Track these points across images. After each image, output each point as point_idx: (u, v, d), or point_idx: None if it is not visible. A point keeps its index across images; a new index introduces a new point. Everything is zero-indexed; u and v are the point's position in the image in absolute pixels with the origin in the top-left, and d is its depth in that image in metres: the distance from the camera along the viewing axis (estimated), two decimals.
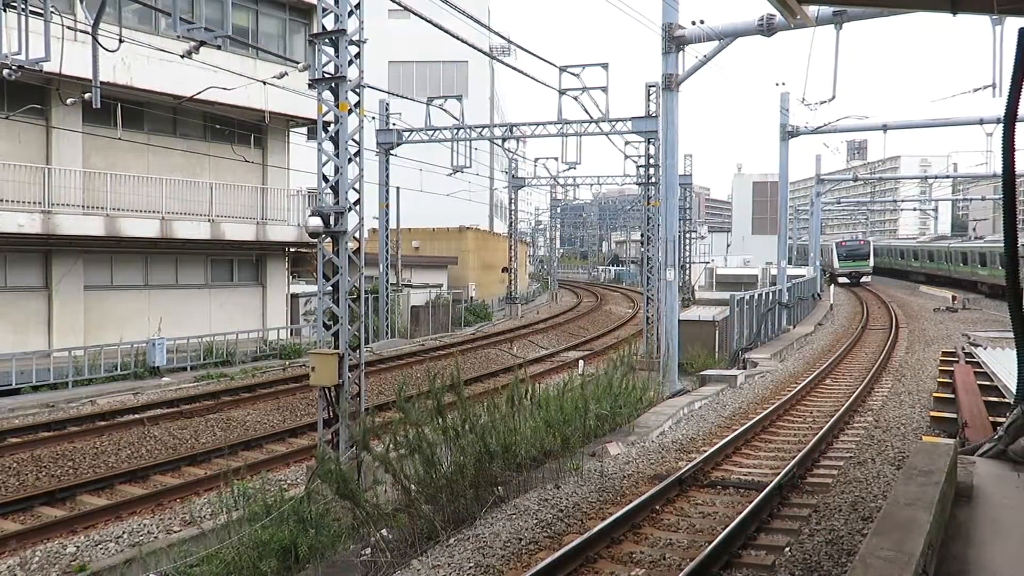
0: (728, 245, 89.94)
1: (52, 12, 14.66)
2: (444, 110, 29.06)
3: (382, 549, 8.95)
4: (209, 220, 23.25)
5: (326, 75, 12.90)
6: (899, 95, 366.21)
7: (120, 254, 23.12)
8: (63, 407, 17.14)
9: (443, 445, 10.38)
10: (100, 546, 10.41)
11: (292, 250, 27.78)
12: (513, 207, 48.53)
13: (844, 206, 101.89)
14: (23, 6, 14.33)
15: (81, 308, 21.99)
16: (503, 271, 48.62)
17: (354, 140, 12.99)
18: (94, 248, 22.10)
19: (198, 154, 24.47)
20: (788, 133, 35.25)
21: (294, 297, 28.72)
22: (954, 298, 42.30)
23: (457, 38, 17.95)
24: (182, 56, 15.37)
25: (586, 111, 25.60)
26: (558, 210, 73.60)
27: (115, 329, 22.30)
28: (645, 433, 14.23)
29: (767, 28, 18.83)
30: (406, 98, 27.90)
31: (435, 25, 17.18)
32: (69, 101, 19.04)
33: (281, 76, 20.20)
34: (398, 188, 32.99)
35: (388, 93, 29.34)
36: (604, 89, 25.34)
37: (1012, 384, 9.91)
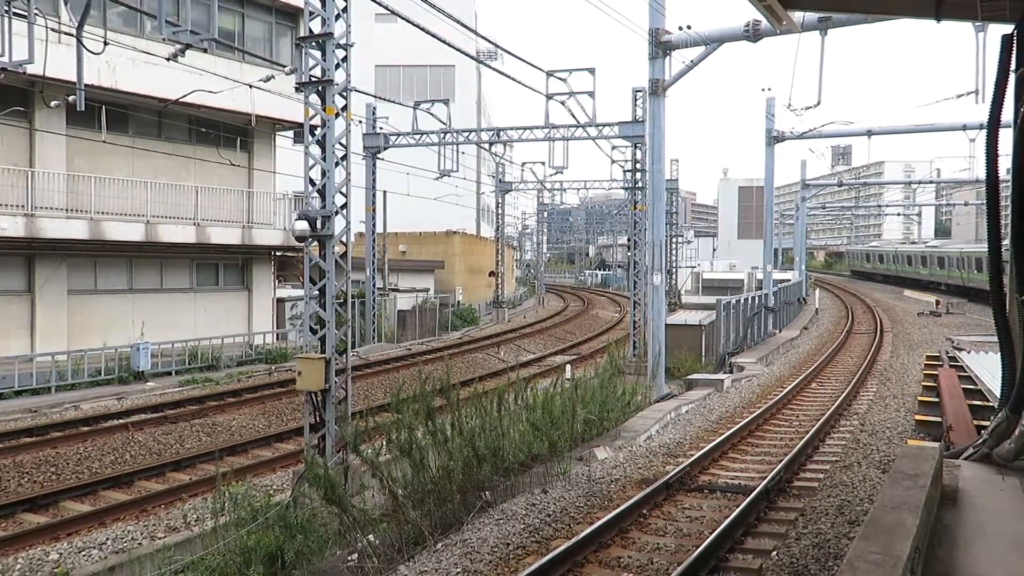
0: (714, 249, 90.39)
1: (36, 14, 14.54)
2: (431, 114, 29.05)
3: (369, 555, 8.91)
4: (194, 224, 23.12)
5: (313, 79, 12.88)
6: (883, 101, 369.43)
7: (104, 258, 22.94)
8: (46, 412, 16.97)
9: (431, 449, 10.35)
10: (83, 552, 10.30)
11: (278, 254, 27.67)
12: (500, 211, 48.55)
13: (829, 211, 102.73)
14: (6, 8, 14.22)
15: (64, 312, 21.79)
16: (490, 275, 48.61)
17: (341, 144, 12.97)
18: (78, 252, 21.92)
19: (183, 157, 24.33)
20: (774, 138, 35.46)
21: (280, 301, 28.59)
22: (938, 303, 42.64)
23: (444, 42, 17.96)
24: (168, 59, 15.31)
25: (573, 116, 25.68)
26: (545, 214, 73.62)
27: (99, 333, 22.12)
28: (632, 437, 14.24)
29: (753, 34, 18.94)
30: (393, 102, 27.86)
31: (422, 29, 17.18)
32: (53, 104, 18.91)
33: (267, 79, 20.14)
34: (385, 192, 32.92)
35: (375, 97, 29.30)
36: (591, 94, 25.44)
37: (996, 388, 10.00)
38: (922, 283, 55.66)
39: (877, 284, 71.02)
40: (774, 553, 8.18)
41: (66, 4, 18.76)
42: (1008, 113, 7.49)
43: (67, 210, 20.56)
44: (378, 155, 30.19)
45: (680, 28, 19.96)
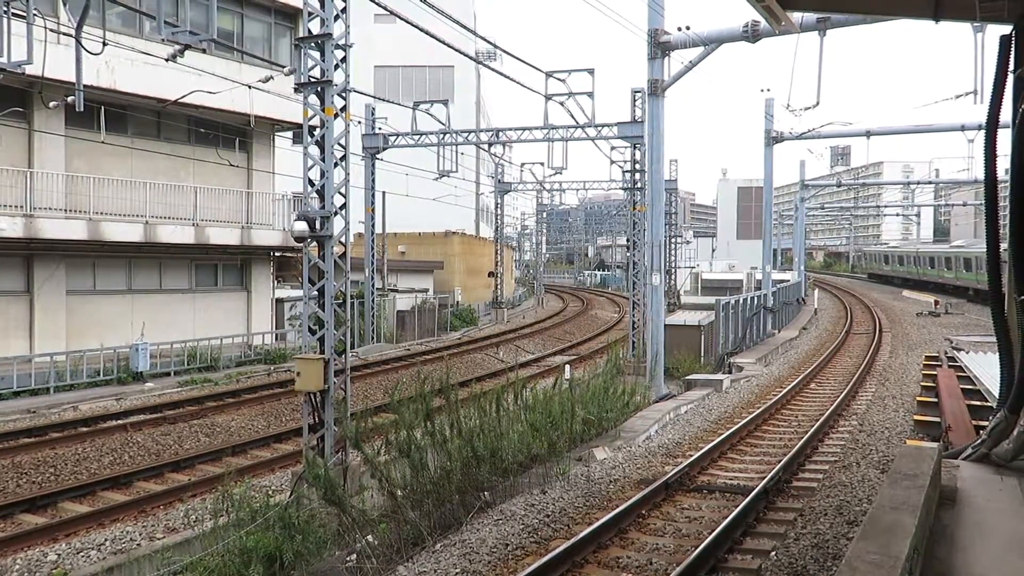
0: (713, 250, 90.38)
1: (35, 14, 14.53)
2: (430, 114, 29.07)
3: (368, 555, 8.91)
4: (193, 224, 23.10)
5: (312, 79, 12.87)
6: (882, 101, 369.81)
7: (103, 258, 22.93)
8: (44, 413, 16.95)
9: (430, 449, 10.36)
10: (82, 553, 10.29)
11: (277, 254, 27.65)
12: (499, 212, 48.55)
13: (828, 211, 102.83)
14: (5, 8, 14.19)
15: (63, 313, 21.78)
16: (489, 276, 48.60)
17: (340, 144, 12.96)
18: (77, 252, 21.90)
19: (182, 158, 24.32)
20: (773, 139, 35.48)
21: (279, 302, 28.58)
22: (936, 303, 42.64)
23: (443, 43, 17.96)
24: (167, 59, 15.30)
25: (572, 116, 25.72)
26: (544, 215, 73.67)
27: (98, 334, 22.10)
28: (631, 438, 14.24)
29: (752, 34, 18.95)
30: (392, 102, 27.87)
31: (421, 30, 17.19)
32: (52, 104, 18.89)
33: (266, 80, 20.14)
34: (384, 192, 32.93)
35: (374, 97, 29.31)
36: (590, 94, 25.47)
37: (994, 388, 10.00)
38: (947, 288, 50.85)
39: (876, 284, 71.00)
40: (773, 553, 8.18)
41: (65, 4, 18.77)
42: (1007, 113, 7.50)
43: (66, 211, 20.54)
44: (377, 156, 30.19)
45: (679, 29, 19.98)
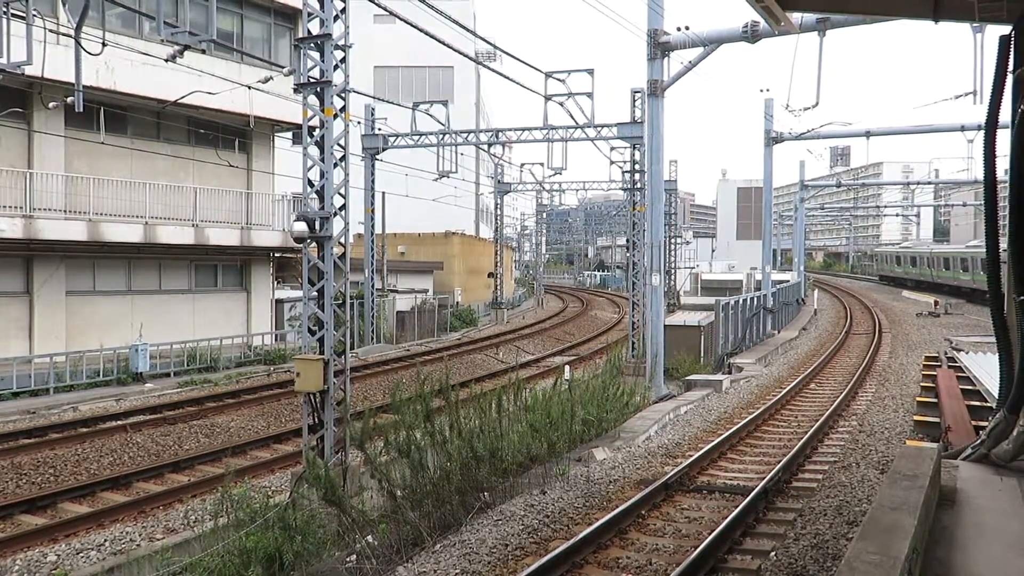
0: (713, 250, 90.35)
1: (34, 15, 14.52)
2: (430, 115, 29.07)
3: (367, 556, 8.91)
4: (193, 225, 23.10)
5: (311, 80, 12.86)
6: (882, 102, 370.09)
7: (103, 259, 22.92)
8: (44, 414, 16.95)
9: (430, 449, 10.35)
10: (81, 554, 10.29)
11: (277, 255, 27.65)
12: (499, 212, 48.55)
13: (827, 211, 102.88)
14: (4, 9, 14.19)
15: (63, 313, 21.77)
16: (489, 276, 48.58)
17: (339, 145, 12.95)
18: (76, 253, 21.90)
19: (182, 158, 24.31)
20: (772, 139, 35.46)
21: (279, 302, 28.58)
22: (936, 303, 42.65)
23: (443, 43, 17.98)
24: (166, 60, 15.28)
25: (572, 117, 25.72)
26: (544, 215, 73.65)
27: (97, 335, 22.09)
28: (631, 438, 14.24)
29: (751, 35, 18.95)
30: (391, 103, 27.87)
31: (420, 30, 17.19)
32: (51, 105, 18.91)
33: (266, 80, 20.13)
34: (384, 193, 32.93)
35: (373, 98, 29.31)
36: (590, 95, 25.47)
37: (994, 389, 10.00)
38: (963, 291, 47.93)
39: (877, 285, 71.00)
40: (772, 554, 8.18)
41: (64, 5, 18.76)
42: (1006, 114, 7.49)
43: (65, 211, 20.54)
44: (377, 156, 30.19)
45: (678, 29, 19.98)
